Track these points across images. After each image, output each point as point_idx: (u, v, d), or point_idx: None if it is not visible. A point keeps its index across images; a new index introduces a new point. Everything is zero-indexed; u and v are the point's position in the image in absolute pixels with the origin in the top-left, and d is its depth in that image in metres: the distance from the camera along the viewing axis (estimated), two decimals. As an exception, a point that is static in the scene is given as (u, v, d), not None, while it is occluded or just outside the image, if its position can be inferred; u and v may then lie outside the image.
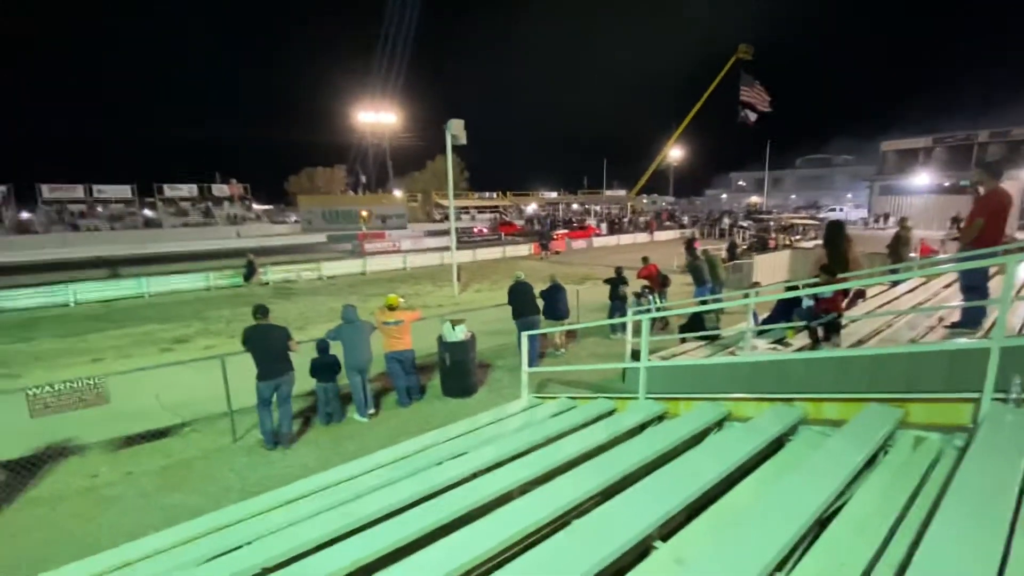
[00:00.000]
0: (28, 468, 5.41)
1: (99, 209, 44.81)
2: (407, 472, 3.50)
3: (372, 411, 6.76)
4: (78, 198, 44.32)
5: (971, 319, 4.42)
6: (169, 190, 48.15)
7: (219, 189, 51.10)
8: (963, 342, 3.71)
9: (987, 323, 4.34)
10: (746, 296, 7.09)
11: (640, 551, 2.13)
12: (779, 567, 1.82)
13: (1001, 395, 2.50)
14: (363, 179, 58.07)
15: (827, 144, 71.78)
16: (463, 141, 15.79)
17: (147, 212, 47.70)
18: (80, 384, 5.45)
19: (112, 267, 21.84)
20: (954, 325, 4.56)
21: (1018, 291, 5.14)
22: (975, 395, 2.58)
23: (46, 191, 43.04)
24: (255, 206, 55.24)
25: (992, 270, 5.25)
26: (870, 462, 2.52)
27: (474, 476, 3.10)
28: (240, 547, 2.68)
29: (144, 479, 5.34)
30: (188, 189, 49.28)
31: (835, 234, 5.77)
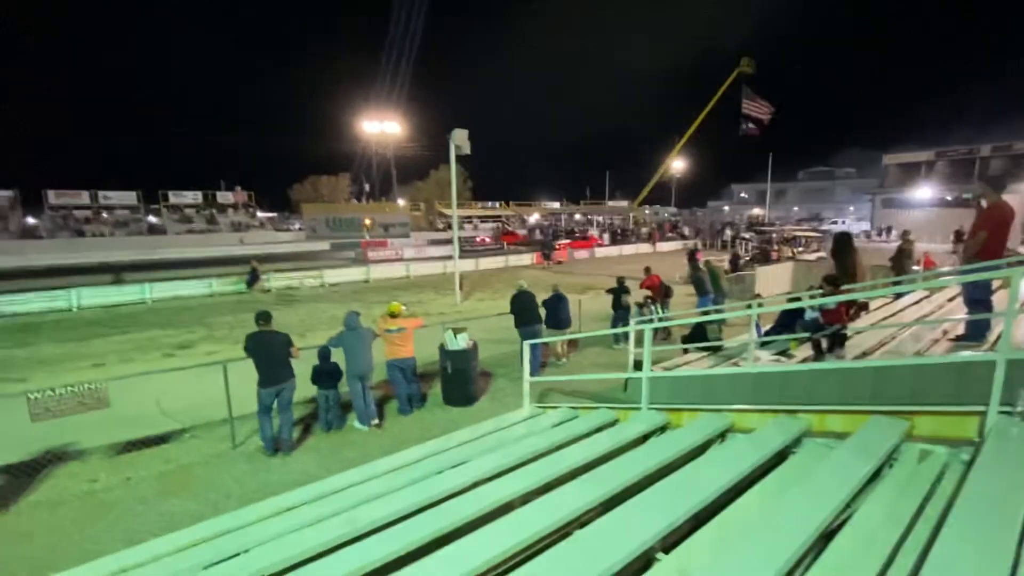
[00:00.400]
0: (28, 472, 5.40)
1: (104, 215, 45.16)
2: (408, 480, 3.48)
3: (376, 421, 6.69)
4: (84, 204, 44.69)
5: (976, 332, 4.40)
6: (174, 197, 48.48)
7: (224, 196, 51.46)
8: (968, 355, 3.69)
9: (991, 336, 4.32)
10: (748, 307, 7.07)
11: (642, 563, 2.11)
12: (784, 580, 1.79)
13: (1007, 408, 2.48)
14: (367, 188, 58.42)
15: (830, 157, 72.05)
16: (467, 151, 15.86)
17: (152, 219, 48.03)
18: (81, 388, 5.45)
19: (116, 273, 21.93)
20: (959, 338, 4.54)
21: (1023, 304, 5.11)
22: (981, 408, 2.57)
23: (52, 197, 43.41)
24: (259, 213, 55.59)
25: (996, 283, 5.24)
26: (875, 475, 2.50)
27: (475, 485, 3.08)
28: (238, 554, 2.66)
29: (143, 485, 5.32)
30: (193, 196, 49.62)
31: (844, 245, 5.82)
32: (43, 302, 15.86)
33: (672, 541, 2.23)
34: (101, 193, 45.43)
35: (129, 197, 46.88)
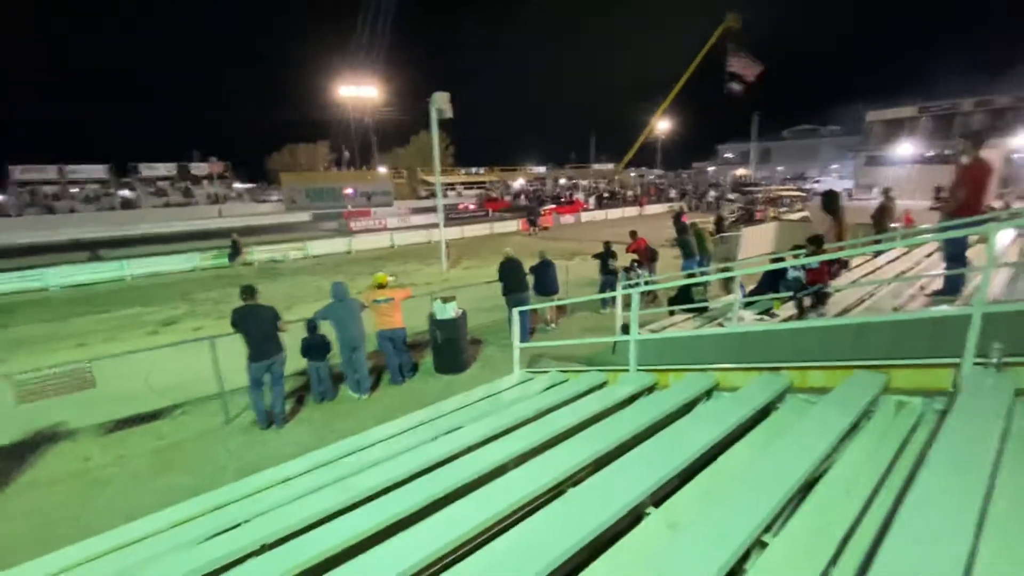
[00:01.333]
0: (19, 453, 5.38)
1: (73, 190, 43.49)
2: (402, 447, 3.53)
3: (367, 392, 6.74)
4: (51, 179, 42.94)
5: (952, 287, 4.52)
6: (146, 169, 46.81)
7: (198, 167, 49.77)
8: (945, 309, 3.80)
9: (966, 291, 4.44)
10: (731, 269, 7.16)
11: (634, 517, 2.19)
12: (768, 528, 1.88)
13: (981, 360, 2.57)
14: (346, 155, 56.89)
15: (815, 115, 71.71)
16: (449, 115, 15.45)
17: (124, 193, 46.40)
18: (67, 369, 5.38)
19: (91, 250, 21.34)
20: (936, 293, 4.66)
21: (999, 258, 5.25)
22: (956, 360, 2.66)
23: (17, 172, 41.60)
24: (236, 184, 54.02)
25: (973, 238, 5.35)
26: (854, 426, 2.60)
27: (469, 450, 3.14)
28: (238, 525, 2.70)
29: (137, 461, 5.34)
30: (166, 168, 47.95)
31: (836, 202, 6.04)
32: (16, 282, 15.42)
33: (662, 496, 2.31)
34: (68, 167, 43.63)
35: (99, 170, 45.10)
